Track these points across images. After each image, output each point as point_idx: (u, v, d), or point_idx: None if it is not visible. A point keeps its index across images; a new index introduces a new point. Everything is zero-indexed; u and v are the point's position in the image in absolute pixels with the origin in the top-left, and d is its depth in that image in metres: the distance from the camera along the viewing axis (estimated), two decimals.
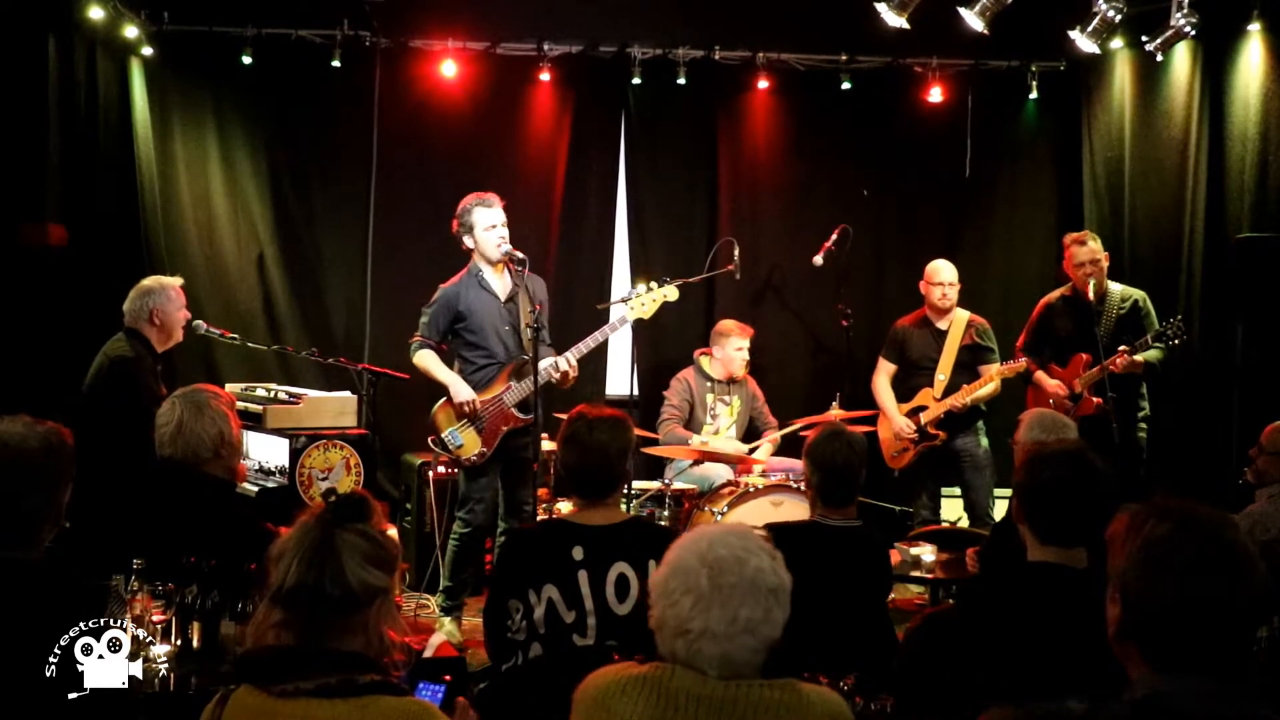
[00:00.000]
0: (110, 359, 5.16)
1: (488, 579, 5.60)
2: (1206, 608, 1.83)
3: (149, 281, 5.36)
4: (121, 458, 4.53)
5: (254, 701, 2.12)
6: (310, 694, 2.09)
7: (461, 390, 5.47)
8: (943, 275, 6.54)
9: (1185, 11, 6.06)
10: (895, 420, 6.56)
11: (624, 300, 5.75)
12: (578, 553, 3.22)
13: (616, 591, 3.20)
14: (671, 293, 5.74)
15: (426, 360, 5.54)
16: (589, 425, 3.33)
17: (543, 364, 5.39)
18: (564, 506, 6.01)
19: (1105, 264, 6.18)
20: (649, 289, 5.69)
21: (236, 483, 3.74)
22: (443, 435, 5.52)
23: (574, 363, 5.53)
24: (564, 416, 6.12)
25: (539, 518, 5.31)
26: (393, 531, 2.42)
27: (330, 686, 2.09)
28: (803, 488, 4.46)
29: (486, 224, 5.51)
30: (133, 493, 3.66)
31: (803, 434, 3.84)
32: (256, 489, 5.45)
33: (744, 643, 2.08)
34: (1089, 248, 6.13)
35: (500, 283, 5.59)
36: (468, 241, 5.56)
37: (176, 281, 5.41)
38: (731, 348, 6.68)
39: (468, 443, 5.51)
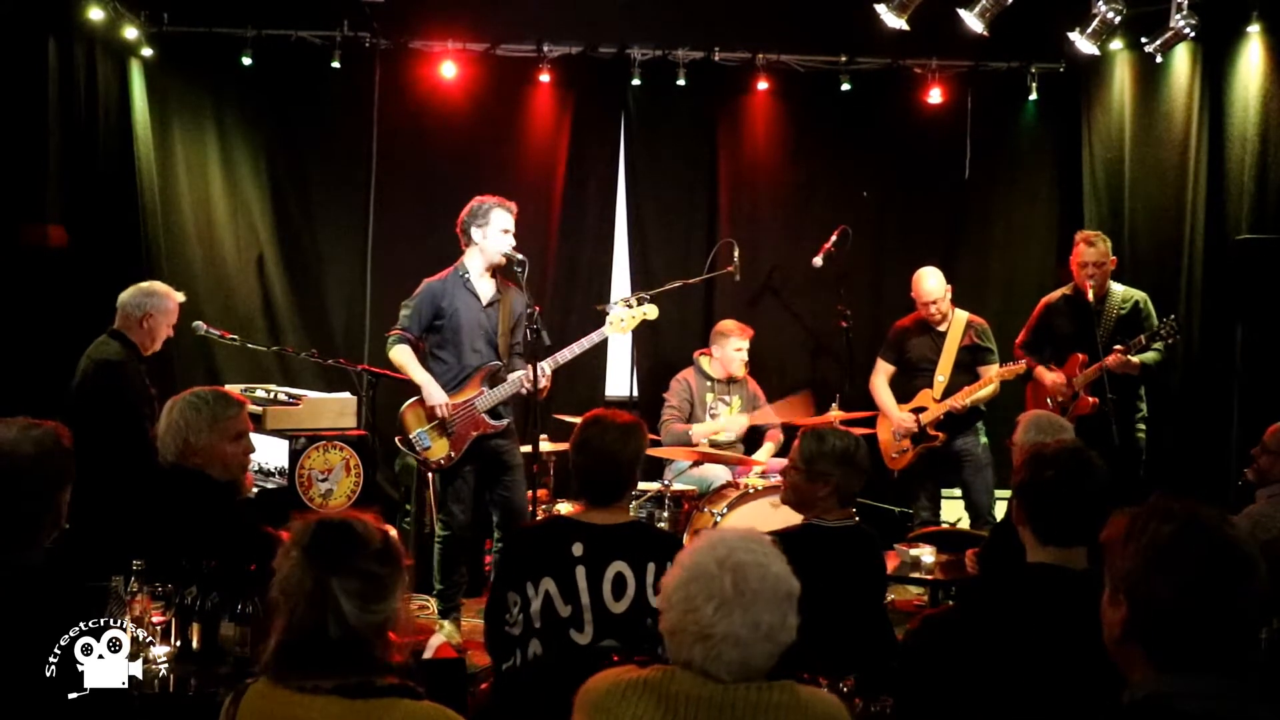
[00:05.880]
0: (95, 362, 5.13)
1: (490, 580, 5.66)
2: (1211, 608, 1.83)
3: (156, 285, 5.36)
4: (113, 459, 4.52)
5: (270, 694, 2.13)
6: (329, 692, 2.10)
7: (436, 394, 5.47)
8: (928, 294, 6.39)
9: (1185, 13, 6.06)
10: (894, 415, 6.54)
11: (605, 313, 5.87)
12: (577, 549, 3.24)
13: (613, 590, 3.21)
14: (651, 311, 5.89)
15: (403, 356, 5.53)
16: (602, 430, 3.36)
17: (514, 375, 5.52)
18: (563, 507, 6.02)
19: (1110, 267, 6.18)
20: (629, 306, 5.83)
21: (240, 485, 3.72)
22: (410, 436, 5.53)
23: (549, 373, 5.54)
24: (564, 418, 6.23)
25: (539, 517, 5.32)
26: (393, 531, 2.40)
27: (349, 686, 2.10)
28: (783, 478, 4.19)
29: (504, 227, 5.54)
30: (129, 494, 3.65)
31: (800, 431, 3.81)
32: (256, 490, 5.44)
33: (763, 649, 2.09)
34: (1095, 249, 6.12)
35: (485, 288, 5.61)
36: (475, 236, 5.55)
37: (179, 296, 5.42)
38: (731, 348, 6.69)
39: (436, 446, 5.52)
